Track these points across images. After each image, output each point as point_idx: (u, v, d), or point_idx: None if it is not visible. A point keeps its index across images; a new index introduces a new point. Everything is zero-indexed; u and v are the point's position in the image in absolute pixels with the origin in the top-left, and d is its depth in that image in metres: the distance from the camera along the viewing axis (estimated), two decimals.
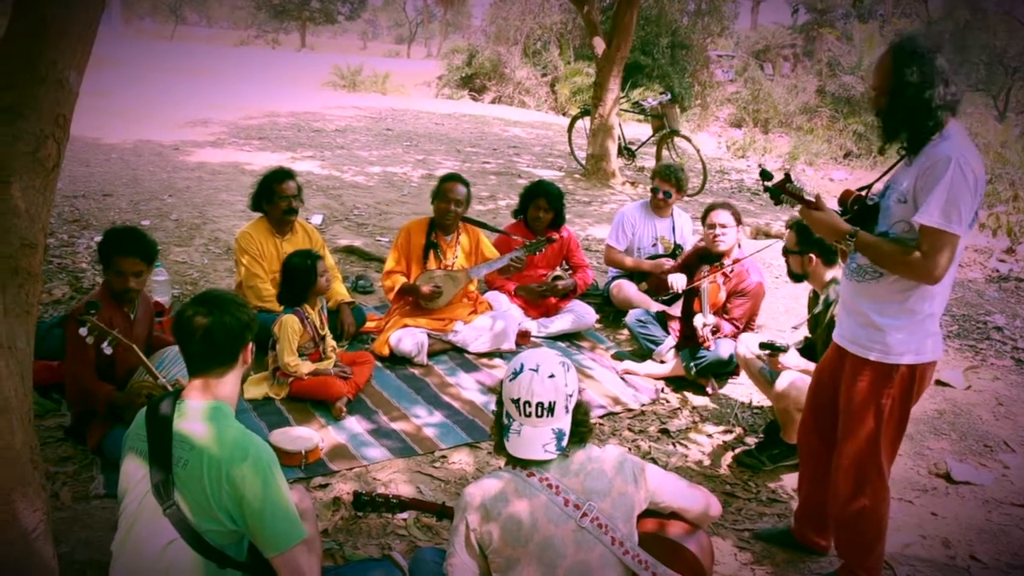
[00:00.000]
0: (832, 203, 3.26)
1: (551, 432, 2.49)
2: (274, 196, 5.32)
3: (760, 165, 2.84)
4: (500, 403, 2.59)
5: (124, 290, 3.89)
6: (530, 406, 2.46)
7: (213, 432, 2.43)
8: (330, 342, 4.94)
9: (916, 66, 2.86)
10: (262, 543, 2.45)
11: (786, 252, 4.33)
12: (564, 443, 2.52)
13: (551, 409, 2.46)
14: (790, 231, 4.29)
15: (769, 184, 3.22)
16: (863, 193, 3.17)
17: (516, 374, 2.50)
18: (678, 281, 5.52)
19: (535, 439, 2.48)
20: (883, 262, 2.99)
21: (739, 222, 5.25)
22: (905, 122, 2.93)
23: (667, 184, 6.25)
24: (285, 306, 4.74)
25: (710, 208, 5.33)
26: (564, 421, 2.53)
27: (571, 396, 2.53)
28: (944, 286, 3.01)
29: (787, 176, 3.23)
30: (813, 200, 3.14)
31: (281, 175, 5.36)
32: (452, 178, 5.58)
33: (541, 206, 5.97)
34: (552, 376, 2.48)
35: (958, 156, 2.79)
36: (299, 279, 4.69)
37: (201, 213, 8.52)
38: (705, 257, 5.42)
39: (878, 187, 3.18)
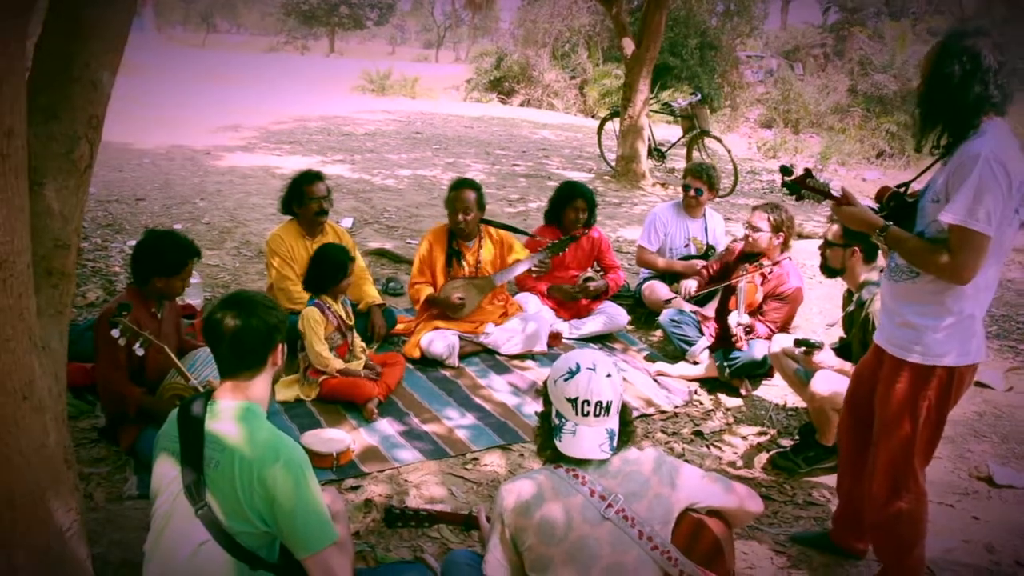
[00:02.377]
0: (868, 201, 3.19)
1: (605, 432, 2.49)
2: (304, 198, 5.31)
3: (793, 165, 2.80)
4: (548, 403, 2.58)
5: (177, 293, 4.04)
6: (588, 405, 2.46)
7: (245, 433, 2.42)
8: (359, 342, 4.94)
9: (959, 60, 2.77)
10: (294, 544, 2.43)
11: (827, 245, 4.25)
12: (615, 443, 2.51)
13: (607, 409, 2.48)
14: (837, 224, 4.21)
15: (788, 179, 3.17)
16: (901, 190, 3.11)
17: (572, 373, 2.49)
18: (687, 286, 5.51)
19: (591, 439, 2.48)
20: (914, 260, 2.94)
21: (777, 230, 5.14)
22: (940, 117, 2.86)
23: (698, 181, 6.18)
24: (308, 292, 4.76)
25: (755, 207, 5.29)
26: (615, 421, 2.54)
27: (621, 396, 2.55)
28: (984, 286, 2.93)
29: (808, 171, 3.17)
30: (838, 194, 3.09)
31: (310, 177, 5.35)
32: (460, 185, 5.48)
33: (579, 207, 5.90)
34: (609, 376, 2.50)
35: (988, 153, 2.69)
36: (330, 267, 4.70)
37: (232, 216, 8.58)
38: (746, 256, 5.35)
39: (918, 187, 3.11)
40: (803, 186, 3.15)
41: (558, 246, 5.67)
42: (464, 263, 5.53)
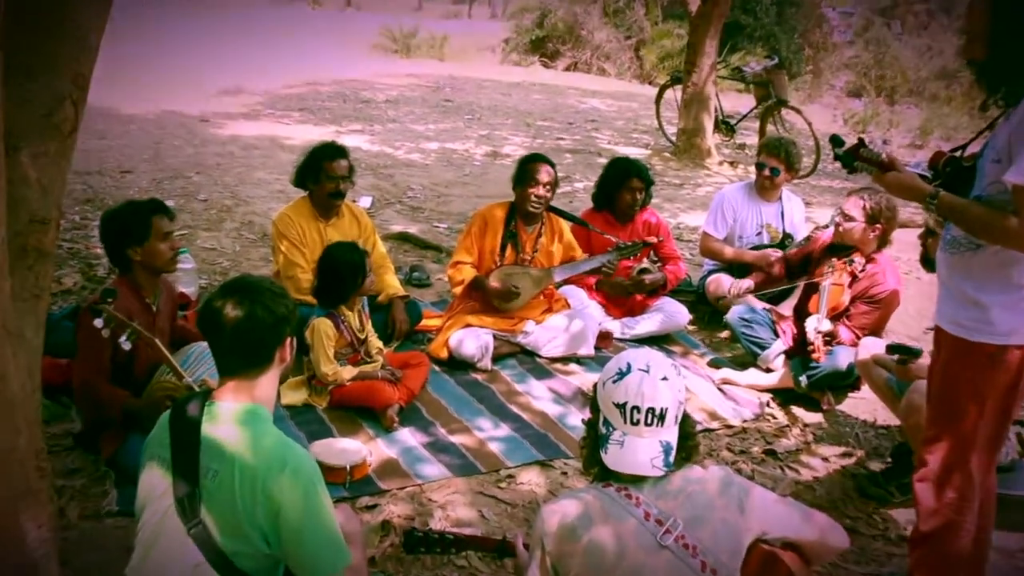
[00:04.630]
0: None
1: (659, 445, 2.47)
2: (322, 175, 5.35)
3: (852, 138, 2.82)
4: (596, 409, 2.58)
5: (167, 263, 4.07)
6: (639, 412, 2.45)
7: (248, 439, 2.42)
8: (375, 342, 4.97)
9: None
10: (300, 568, 2.43)
11: (928, 234, 4.22)
12: (671, 459, 2.50)
13: (662, 417, 2.46)
14: None
15: (840, 151, 3.21)
16: (957, 154, 3.12)
17: (622, 375, 2.49)
18: (739, 286, 5.55)
19: (641, 451, 2.46)
20: (972, 228, 2.94)
21: (874, 220, 5.05)
22: (1008, 72, 2.87)
23: (774, 159, 6.16)
24: (320, 306, 4.78)
25: (850, 192, 5.24)
26: (672, 433, 2.51)
27: (681, 404, 2.53)
28: None
29: (861, 141, 3.21)
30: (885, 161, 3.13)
31: (333, 151, 5.39)
32: (539, 159, 5.53)
33: (635, 187, 5.89)
34: (665, 379, 2.48)
35: None
36: (341, 278, 4.73)
37: (233, 193, 8.65)
38: (834, 248, 5.29)
39: (976, 148, 3.12)
40: (857, 157, 3.19)
41: (630, 249, 5.72)
42: (520, 249, 5.58)
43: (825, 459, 4.70)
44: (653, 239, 5.82)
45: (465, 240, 5.57)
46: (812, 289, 5.25)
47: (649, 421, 2.45)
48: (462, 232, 5.72)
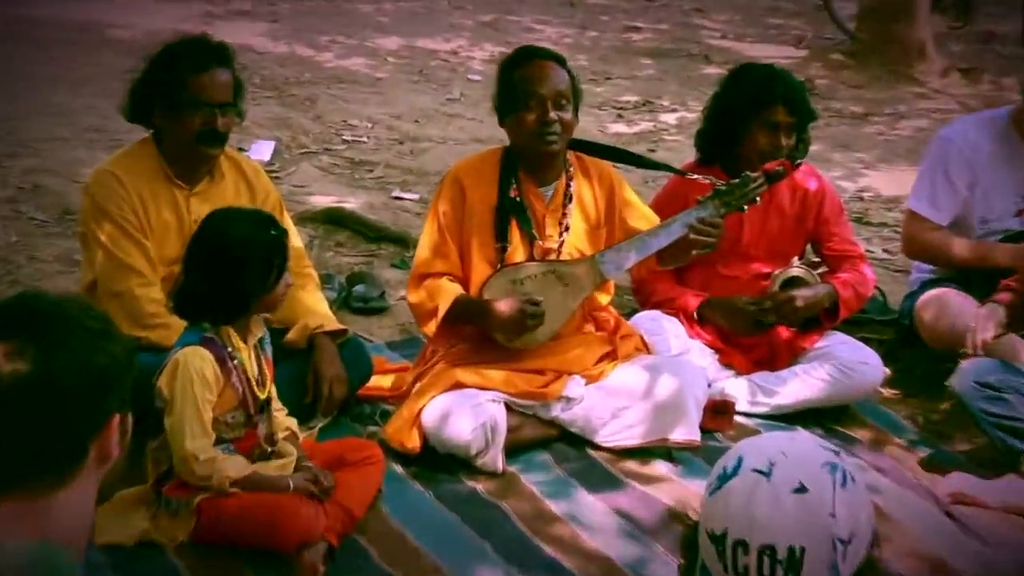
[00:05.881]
0: None
1: None
2: (183, 100, 4.10)
3: None
4: (692, 547, 2.10)
5: None
6: (745, 552, 1.91)
7: None
8: (283, 419, 3.83)
9: None
10: None
11: None
12: None
13: (793, 565, 1.89)
14: None
15: None
16: None
17: (724, 479, 1.97)
18: (978, 327, 4.28)
19: None
20: None
21: None
22: None
23: None
24: (190, 322, 3.64)
25: None
26: None
27: (846, 542, 1.90)
28: None
29: None
30: None
31: (202, 53, 4.18)
32: (532, 54, 4.38)
33: (780, 121, 4.57)
34: (801, 491, 1.92)
35: None
36: (237, 266, 3.54)
37: (8, 133, 6.85)
38: None
39: None
40: None
41: (746, 191, 4.41)
42: (532, 228, 4.36)
43: None
44: (782, 170, 4.51)
45: (431, 228, 4.39)
46: None
47: (764, 570, 1.91)
48: (426, 215, 4.57)
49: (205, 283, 3.53)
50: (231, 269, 3.52)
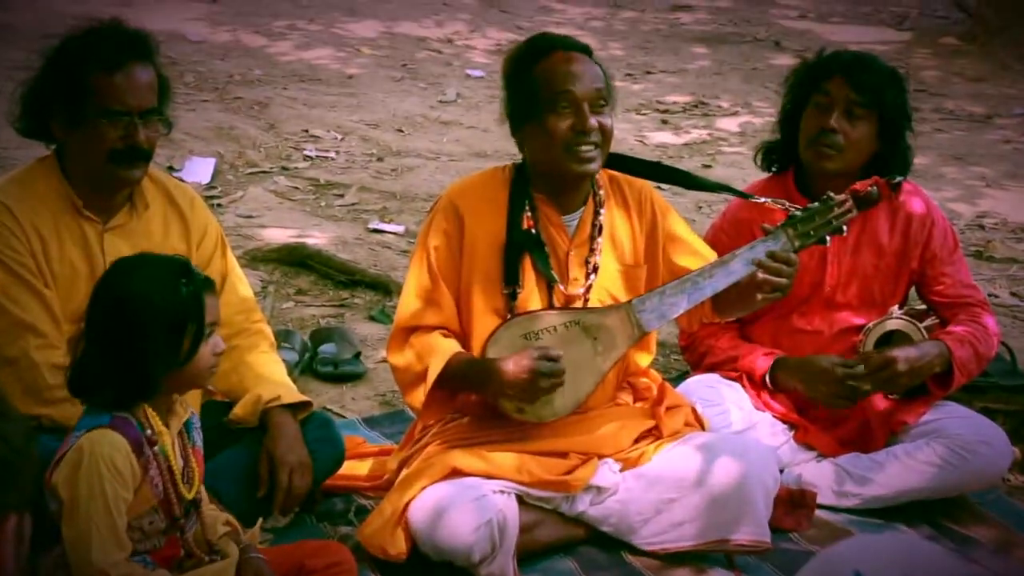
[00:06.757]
0: None
1: None
2: (90, 108, 3.70)
3: None
4: None
5: None
6: None
7: None
8: (216, 514, 3.41)
9: None
10: None
11: None
12: None
13: None
14: None
15: None
16: None
17: None
18: None
19: None
20: None
21: None
22: None
23: None
24: (92, 405, 3.19)
25: None
26: None
27: None
28: None
29: None
30: None
31: (114, 48, 3.74)
32: (555, 44, 3.82)
33: (832, 97, 4.16)
34: None
35: None
36: (139, 334, 3.12)
37: None
38: None
39: None
40: None
41: (824, 217, 3.92)
42: (549, 269, 3.93)
43: None
44: (875, 192, 3.97)
45: (420, 270, 3.93)
46: None
47: None
48: (412, 252, 4.14)
49: (98, 355, 3.09)
50: (125, 337, 3.08)
